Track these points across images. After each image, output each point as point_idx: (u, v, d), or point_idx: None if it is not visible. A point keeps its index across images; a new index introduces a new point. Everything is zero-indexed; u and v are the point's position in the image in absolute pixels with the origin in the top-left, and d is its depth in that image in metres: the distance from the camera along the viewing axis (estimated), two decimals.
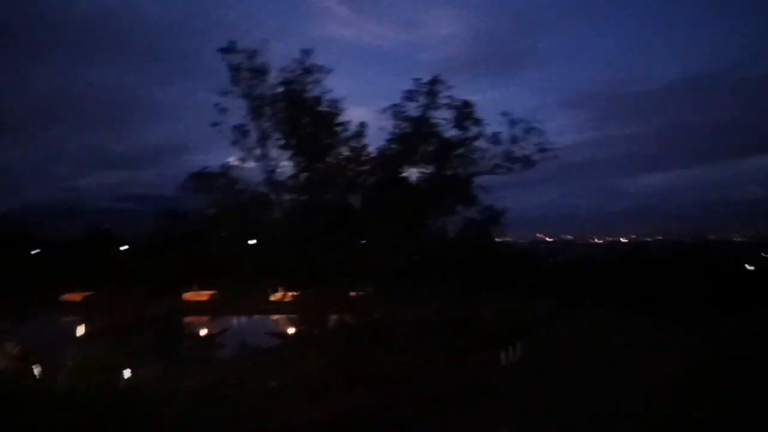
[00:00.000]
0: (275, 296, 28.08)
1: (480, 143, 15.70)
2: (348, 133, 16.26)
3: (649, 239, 62.30)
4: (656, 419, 8.06)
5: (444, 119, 15.52)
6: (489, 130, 15.84)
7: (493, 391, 10.42)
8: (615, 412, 8.57)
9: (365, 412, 9.48)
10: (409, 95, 15.66)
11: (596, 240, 63.95)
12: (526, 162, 15.24)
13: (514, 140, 15.02)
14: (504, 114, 15.03)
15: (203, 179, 16.45)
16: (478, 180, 17.00)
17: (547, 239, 68.40)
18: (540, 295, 24.49)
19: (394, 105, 15.83)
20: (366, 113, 17.80)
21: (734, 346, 14.15)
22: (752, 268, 43.78)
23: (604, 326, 16.62)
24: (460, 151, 15.46)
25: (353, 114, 16.45)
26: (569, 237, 70.25)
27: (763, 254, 49.36)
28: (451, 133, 15.68)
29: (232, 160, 16.70)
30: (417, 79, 15.80)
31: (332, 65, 15.42)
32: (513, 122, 14.99)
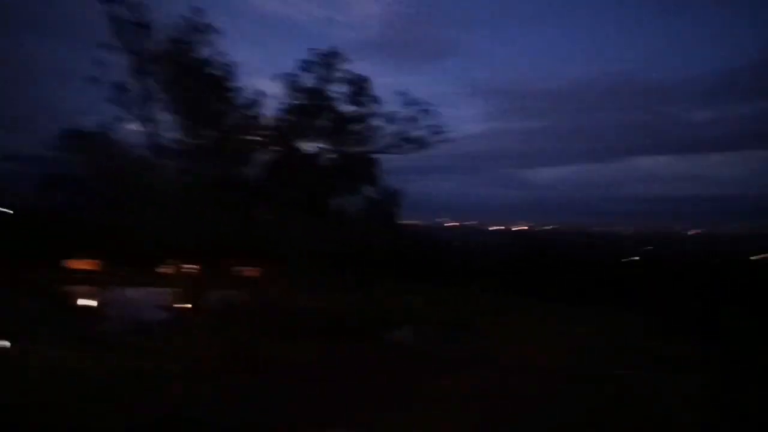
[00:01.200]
0: (165, 268, 26.65)
1: (377, 122, 15.41)
2: (243, 101, 15.42)
3: (545, 228, 65.24)
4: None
5: (340, 93, 15.09)
6: (391, 110, 15.62)
7: (373, 374, 10.18)
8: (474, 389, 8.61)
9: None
10: (305, 66, 15.07)
11: (497, 227, 66.17)
12: (421, 143, 15.16)
13: (408, 120, 14.87)
14: (400, 94, 14.84)
15: (77, 139, 14.99)
16: (387, 163, 16.80)
17: (452, 224, 69.94)
18: (440, 277, 24.83)
19: (289, 74, 15.17)
20: (272, 86, 17.07)
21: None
22: (637, 258, 47.23)
23: (489, 308, 16.96)
24: (355, 127, 15.09)
25: (258, 86, 15.67)
26: (473, 223, 72.14)
27: (646, 248, 53.26)
28: (347, 108, 15.27)
29: (113, 120, 15.34)
30: (313, 50, 15.26)
31: (240, 33, 14.53)
32: (409, 103, 14.83)
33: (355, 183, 18.88)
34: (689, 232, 70.07)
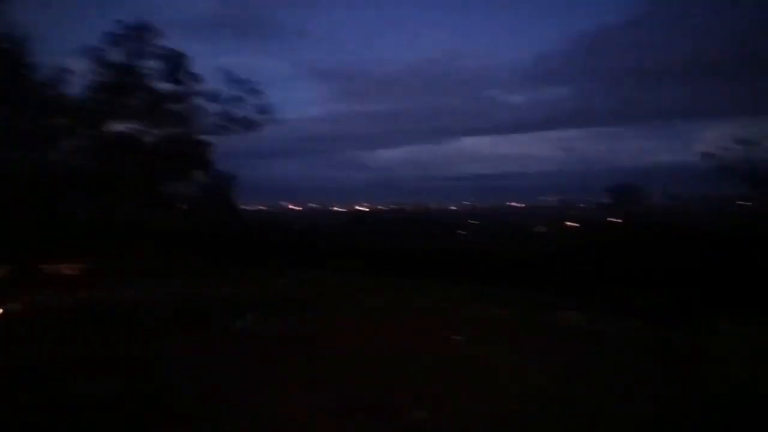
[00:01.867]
0: None
1: (199, 101, 14.57)
2: (44, 79, 13.70)
3: (385, 208, 67.30)
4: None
5: (154, 70, 13.97)
6: (215, 89, 14.82)
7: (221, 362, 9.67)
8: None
9: None
10: (112, 39, 13.69)
11: (340, 209, 66.95)
12: (248, 124, 14.65)
13: (233, 100, 14.27)
14: (223, 71, 14.16)
15: None
16: (225, 146, 15.99)
17: (295, 208, 69.35)
18: (285, 260, 24.40)
19: (94, 48, 13.66)
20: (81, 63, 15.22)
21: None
22: (464, 233, 50.87)
23: (330, 288, 16.98)
24: (174, 106, 14.12)
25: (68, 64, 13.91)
26: (316, 205, 72.19)
27: (470, 221, 57.39)
28: (163, 86, 14.21)
29: None
30: (120, 21, 13.88)
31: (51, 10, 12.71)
32: (234, 81, 14.21)
33: (185, 167, 17.84)
34: (512, 203, 76.55)
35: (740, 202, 17.83)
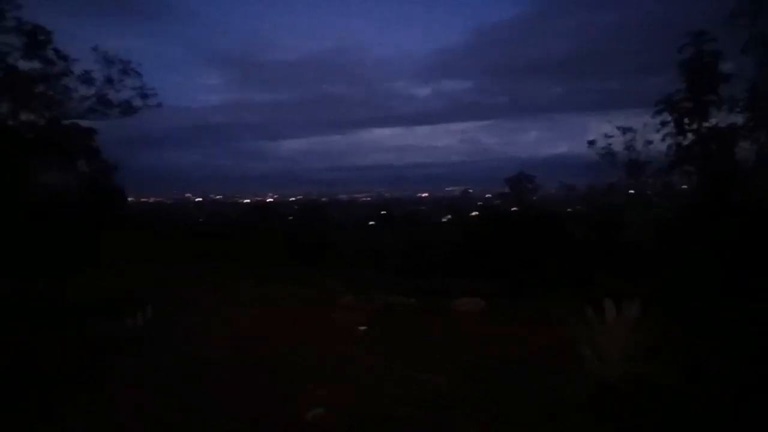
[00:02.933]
0: None
1: (69, 83, 13.29)
2: None
3: (291, 199, 66.45)
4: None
5: (11, 47, 12.54)
6: (87, 70, 13.57)
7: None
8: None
9: None
10: None
11: (244, 200, 65.21)
12: (126, 108, 13.59)
13: (109, 82, 13.16)
14: (95, 50, 12.99)
15: None
16: (114, 134, 14.73)
17: (196, 199, 66.81)
18: (178, 252, 23.29)
19: None
20: None
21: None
22: (373, 222, 51.19)
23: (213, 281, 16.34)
24: (38, 87, 12.80)
25: None
26: (218, 197, 69.98)
27: (382, 212, 57.91)
28: (23, 65, 12.80)
29: None
30: None
31: None
32: (110, 62, 13.10)
33: (63, 156, 16.46)
34: (420, 194, 78.05)
35: (630, 191, 19.01)
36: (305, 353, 8.80)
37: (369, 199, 75.46)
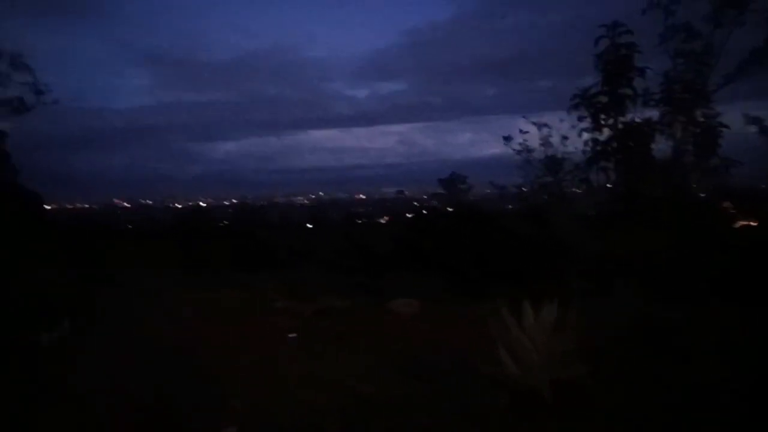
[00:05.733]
0: None
1: None
2: None
3: (225, 203, 64.88)
4: None
5: None
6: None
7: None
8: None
9: None
10: None
11: (176, 204, 63.11)
12: (18, 106, 12.70)
13: None
14: None
15: None
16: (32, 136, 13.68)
17: (125, 204, 64.22)
18: (102, 260, 22.20)
19: None
20: None
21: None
22: (310, 225, 50.69)
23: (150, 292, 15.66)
24: None
25: None
26: (148, 202, 67.49)
27: (319, 214, 57.47)
28: None
29: None
30: None
31: None
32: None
33: None
34: (358, 195, 77.95)
35: (558, 189, 19.41)
36: (230, 362, 8.49)
37: (306, 201, 74.74)
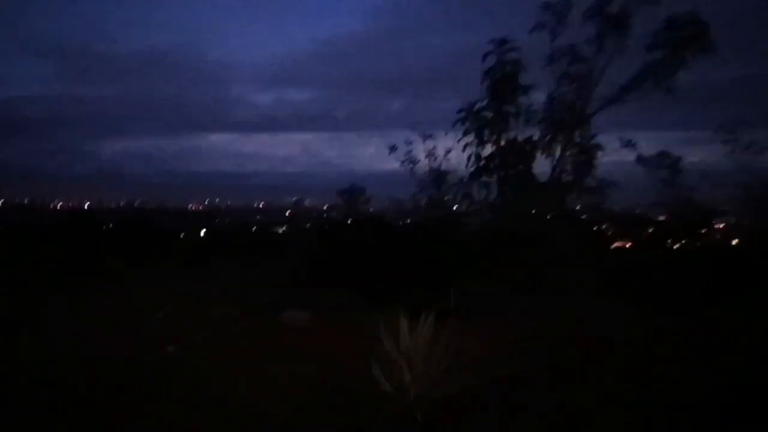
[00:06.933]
0: None
1: None
2: None
3: (112, 206, 61.11)
4: None
5: None
6: None
7: None
8: None
9: None
10: None
11: (56, 205, 58.59)
12: None
13: None
14: None
15: None
16: None
17: None
18: None
19: None
20: None
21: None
22: (204, 232, 48.79)
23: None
24: None
25: None
26: (24, 201, 62.15)
27: (214, 220, 55.59)
28: None
29: None
30: None
31: None
32: None
33: None
34: (256, 205, 76.18)
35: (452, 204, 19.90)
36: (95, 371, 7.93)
37: (201, 208, 72.04)
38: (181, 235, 42.72)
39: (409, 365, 6.24)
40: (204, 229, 49.96)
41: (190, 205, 71.06)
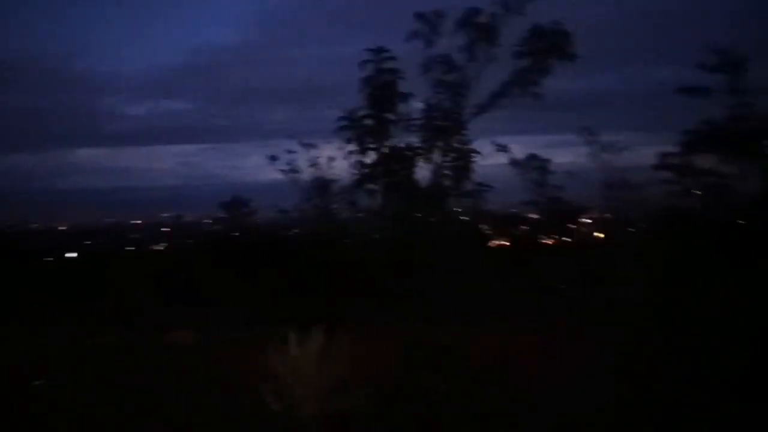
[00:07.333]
0: None
1: None
2: None
3: None
4: None
5: None
6: None
7: None
8: None
9: None
10: None
11: None
12: None
13: None
14: None
15: None
16: None
17: None
18: None
19: None
20: None
21: None
22: (74, 254, 45.05)
23: None
24: None
25: None
26: None
27: (85, 242, 51.62)
28: None
29: None
30: None
31: None
32: None
33: None
34: (132, 222, 71.69)
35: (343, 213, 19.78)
36: None
37: (66, 228, 66.46)
38: (50, 258, 39.27)
39: (300, 382, 6.06)
40: (74, 252, 46.23)
41: (58, 225, 65.40)
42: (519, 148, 19.81)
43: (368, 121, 16.38)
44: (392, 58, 16.64)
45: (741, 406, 6.88)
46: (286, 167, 18.37)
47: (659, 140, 19.64)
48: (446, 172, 17.37)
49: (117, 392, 8.25)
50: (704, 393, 7.10)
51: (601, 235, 22.73)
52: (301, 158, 18.66)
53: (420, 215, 16.36)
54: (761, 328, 10.55)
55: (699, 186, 17.71)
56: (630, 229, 21.08)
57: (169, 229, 53.61)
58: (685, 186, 17.82)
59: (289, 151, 18.32)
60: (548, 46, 17.73)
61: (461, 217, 18.75)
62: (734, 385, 7.47)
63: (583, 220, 22.84)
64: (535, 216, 21.79)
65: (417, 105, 17.33)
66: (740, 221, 18.49)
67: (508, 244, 22.03)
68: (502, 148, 18.85)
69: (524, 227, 22.55)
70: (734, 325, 10.76)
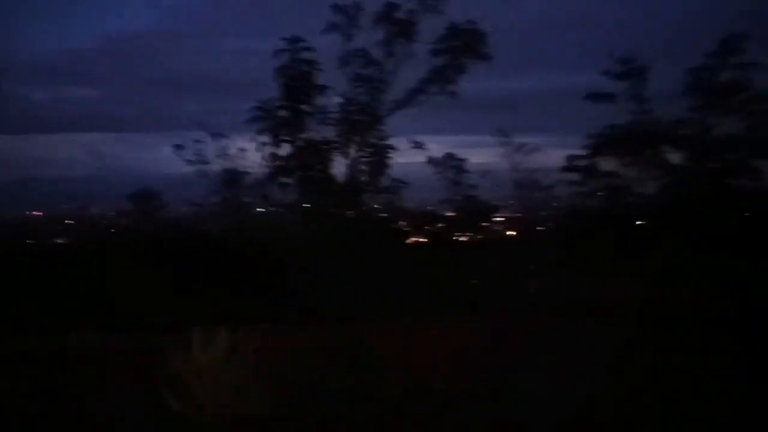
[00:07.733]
0: None
1: None
2: None
3: None
4: None
5: None
6: None
7: None
8: None
9: None
10: None
11: None
12: None
13: None
14: None
15: None
16: None
17: None
18: None
19: None
20: None
21: None
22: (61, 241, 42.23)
23: None
24: None
25: None
26: None
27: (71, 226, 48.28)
28: None
29: None
30: None
31: None
32: None
33: None
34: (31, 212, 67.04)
35: (260, 208, 19.26)
36: None
37: None
38: None
39: (202, 383, 5.80)
40: None
41: None
42: (437, 147, 20.21)
43: (283, 113, 15.97)
44: (309, 49, 16.36)
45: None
46: (193, 158, 17.56)
47: (571, 143, 20.63)
48: (362, 167, 17.32)
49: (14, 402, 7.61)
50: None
51: (513, 233, 23.54)
52: (211, 149, 17.96)
53: (335, 210, 16.20)
54: (651, 317, 11.36)
55: (602, 187, 18.70)
56: (539, 228, 22.02)
57: (73, 222, 50.46)
58: (590, 187, 18.78)
59: (197, 141, 17.53)
60: (463, 45, 18.05)
61: (378, 214, 18.80)
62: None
63: (497, 218, 23.55)
64: (451, 214, 22.25)
65: (334, 98, 17.15)
66: (638, 220, 19.73)
67: (425, 240, 22.32)
68: (419, 146, 19.09)
69: (441, 225, 22.94)
70: (629, 312, 11.55)
